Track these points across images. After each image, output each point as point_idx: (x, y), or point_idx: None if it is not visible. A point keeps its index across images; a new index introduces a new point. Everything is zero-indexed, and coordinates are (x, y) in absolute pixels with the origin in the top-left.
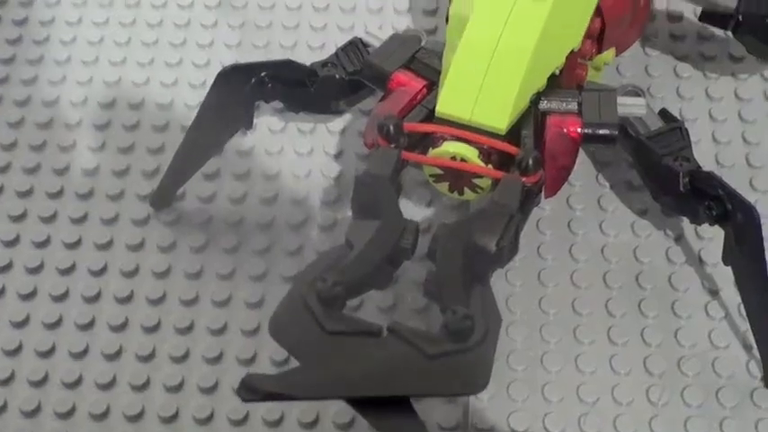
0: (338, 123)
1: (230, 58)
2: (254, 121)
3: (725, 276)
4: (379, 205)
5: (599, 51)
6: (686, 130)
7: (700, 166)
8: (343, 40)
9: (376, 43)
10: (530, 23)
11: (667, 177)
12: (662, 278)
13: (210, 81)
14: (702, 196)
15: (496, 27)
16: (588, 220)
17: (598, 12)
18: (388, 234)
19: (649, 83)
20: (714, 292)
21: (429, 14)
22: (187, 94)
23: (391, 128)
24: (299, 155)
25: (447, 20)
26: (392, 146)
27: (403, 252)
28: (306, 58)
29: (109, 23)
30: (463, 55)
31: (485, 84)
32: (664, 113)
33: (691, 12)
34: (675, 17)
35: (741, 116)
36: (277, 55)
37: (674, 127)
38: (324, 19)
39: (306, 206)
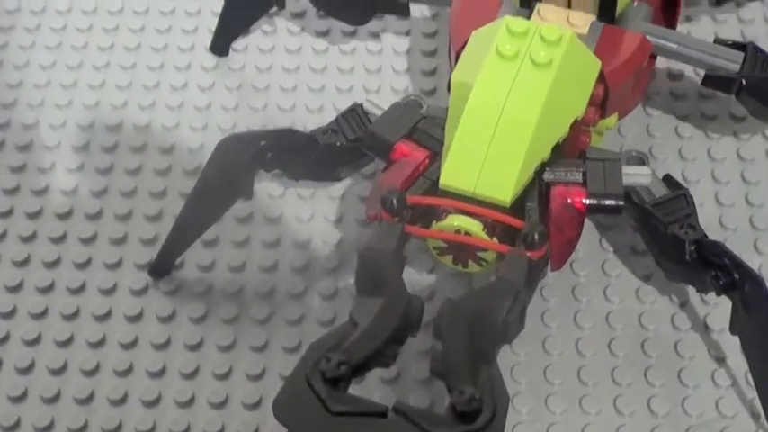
0: (338, 189)
1: (228, 121)
2: (254, 187)
3: (731, 343)
4: (383, 281)
5: (602, 117)
6: (691, 197)
7: (705, 235)
8: (341, 101)
9: (376, 111)
10: (533, 93)
11: (673, 246)
12: (668, 345)
13: (208, 144)
14: (709, 265)
15: (499, 98)
16: (592, 285)
17: (601, 78)
18: (393, 312)
19: (651, 143)
20: (720, 360)
21: (428, 75)
22: (185, 158)
23: (394, 202)
24: (299, 221)
25: (449, 87)
26: (395, 219)
27: (408, 329)
28: (304, 120)
29: (105, 86)
30: (466, 126)
31: (488, 156)
32: (668, 179)
33: (691, 70)
34: (676, 76)
35: (744, 177)
36: (275, 117)
37: (678, 194)
38: (322, 80)
39: (306, 274)
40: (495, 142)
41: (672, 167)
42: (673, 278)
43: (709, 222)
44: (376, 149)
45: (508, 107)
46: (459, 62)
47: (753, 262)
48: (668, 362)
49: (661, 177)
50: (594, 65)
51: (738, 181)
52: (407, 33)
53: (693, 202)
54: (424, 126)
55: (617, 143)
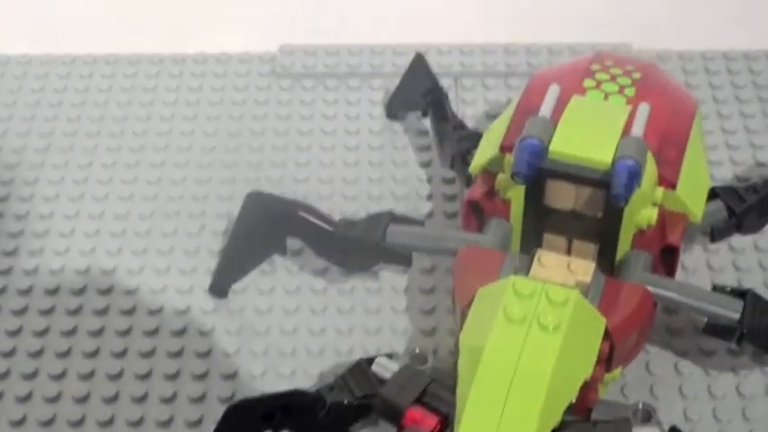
0: None
1: (229, 367)
2: None
3: None
4: None
5: (608, 371)
6: None
7: None
8: (342, 343)
9: (384, 373)
10: (542, 359)
11: None
12: None
13: (210, 394)
14: None
15: (509, 364)
16: None
17: (606, 335)
18: None
19: (651, 381)
20: None
21: (427, 314)
22: (186, 409)
23: None
24: None
25: (456, 347)
26: None
27: None
28: (306, 365)
29: (104, 332)
30: (477, 394)
31: (501, 424)
32: (674, 431)
33: None
34: (671, 310)
35: (745, 415)
36: (277, 363)
37: None
38: (322, 322)
39: None
40: (508, 410)
41: (673, 406)
42: None
43: None
44: (386, 415)
45: (518, 374)
46: (466, 323)
47: None
48: None
49: (668, 429)
50: (600, 324)
51: (740, 419)
52: (405, 271)
53: None
54: (433, 389)
55: (618, 383)
